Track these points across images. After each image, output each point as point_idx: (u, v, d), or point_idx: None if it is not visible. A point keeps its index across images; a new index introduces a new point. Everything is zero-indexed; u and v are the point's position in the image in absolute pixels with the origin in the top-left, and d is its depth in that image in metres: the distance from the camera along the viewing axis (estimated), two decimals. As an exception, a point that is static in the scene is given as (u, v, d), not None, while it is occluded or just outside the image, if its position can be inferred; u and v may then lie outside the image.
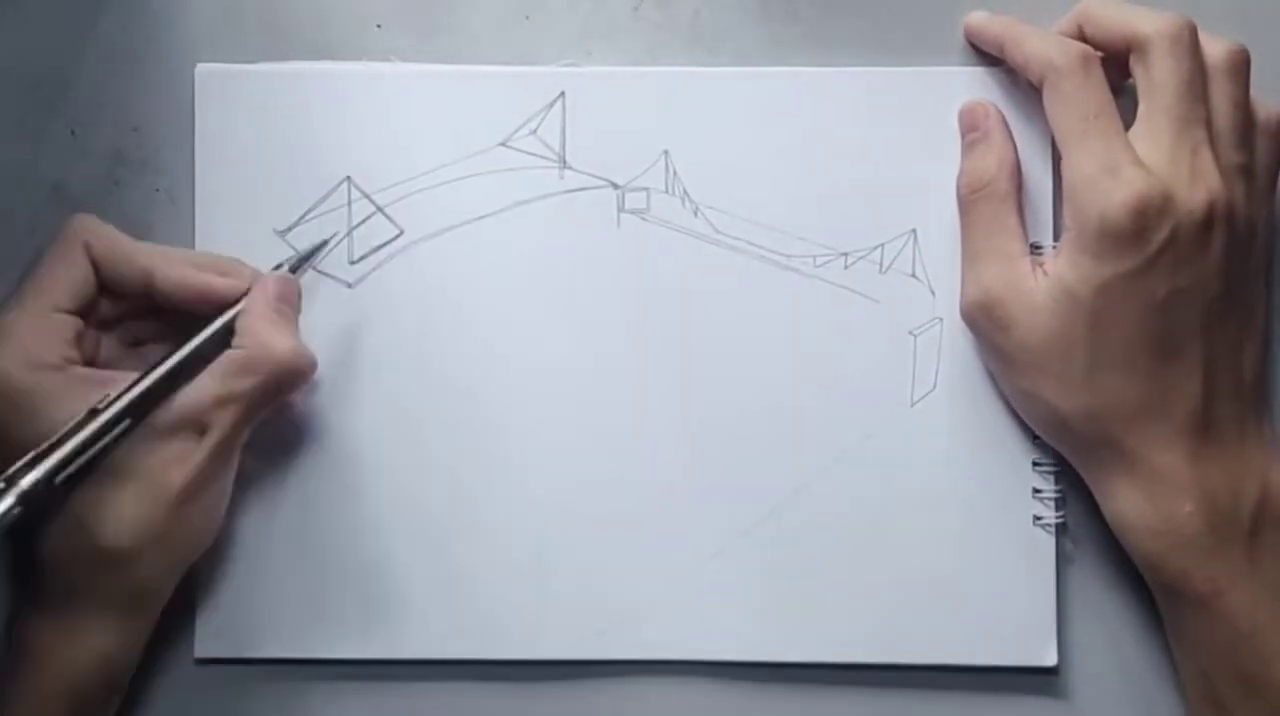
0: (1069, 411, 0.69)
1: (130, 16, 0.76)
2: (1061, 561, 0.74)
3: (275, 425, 0.72)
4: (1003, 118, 0.74)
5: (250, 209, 0.75)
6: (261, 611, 0.74)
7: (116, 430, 0.65)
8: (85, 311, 0.69)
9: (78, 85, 0.76)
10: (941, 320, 0.74)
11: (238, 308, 0.70)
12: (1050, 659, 0.73)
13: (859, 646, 0.74)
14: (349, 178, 0.75)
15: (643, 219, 0.75)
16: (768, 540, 0.74)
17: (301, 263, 0.73)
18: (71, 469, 0.64)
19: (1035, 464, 0.74)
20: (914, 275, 0.75)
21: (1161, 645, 0.73)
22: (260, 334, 0.68)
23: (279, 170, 0.75)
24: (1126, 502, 0.69)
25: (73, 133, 0.75)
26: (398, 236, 0.75)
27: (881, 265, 0.75)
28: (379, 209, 0.75)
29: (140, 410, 0.66)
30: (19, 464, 0.63)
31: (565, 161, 0.75)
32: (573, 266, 0.75)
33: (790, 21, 0.76)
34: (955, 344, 0.74)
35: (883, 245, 0.75)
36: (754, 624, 0.74)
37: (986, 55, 0.75)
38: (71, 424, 0.65)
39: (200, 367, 0.68)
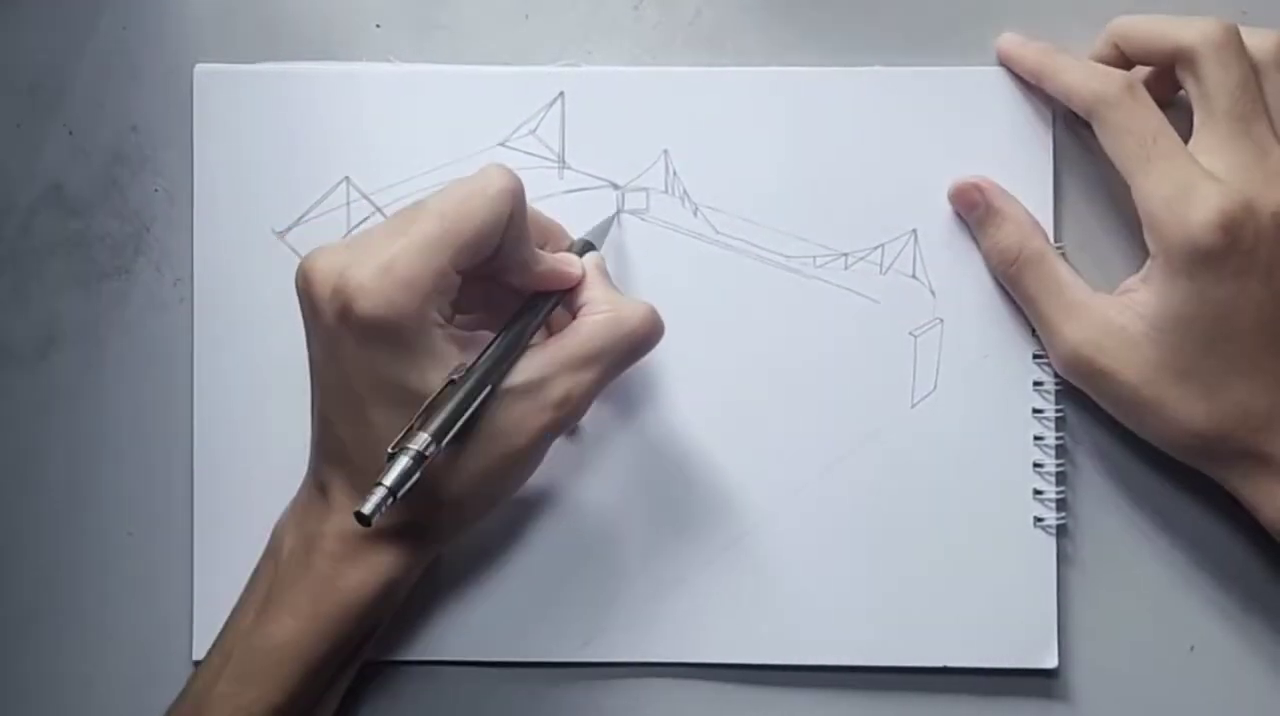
0: (1199, 431, 0.69)
1: (129, 17, 0.76)
2: (1062, 563, 0.74)
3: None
4: (995, 185, 0.74)
5: (249, 209, 0.75)
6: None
7: (483, 395, 0.65)
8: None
9: (76, 85, 0.76)
10: (942, 321, 0.74)
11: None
12: (1051, 661, 0.73)
13: (859, 648, 0.74)
14: (348, 178, 0.75)
15: (642, 219, 0.75)
16: (767, 541, 0.74)
17: (601, 237, 0.74)
18: (453, 432, 0.64)
19: (1036, 465, 0.73)
20: (914, 276, 0.74)
21: (1161, 647, 0.73)
22: (614, 299, 0.69)
23: (278, 170, 0.75)
24: (1279, 504, 0.69)
25: (71, 133, 0.76)
26: (397, 236, 0.75)
27: (882, 266, 0.74)
28: (378, 209, 0.75)
29: (499, 375, 0.66)
30: (406, 429, 0.63)
31: (565, 161, 0.75)
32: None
33: (790, 21, 0.76)
34: (956, 345, 0.74)
35: (883, 246, 0.74)
36: (753, 625, 0.74)
37: (986, 54, 0.75)
38: (442, 387, 0.65)
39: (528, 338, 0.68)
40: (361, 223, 0.75)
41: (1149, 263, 0.70)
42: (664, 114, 0.75)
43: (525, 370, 0.67)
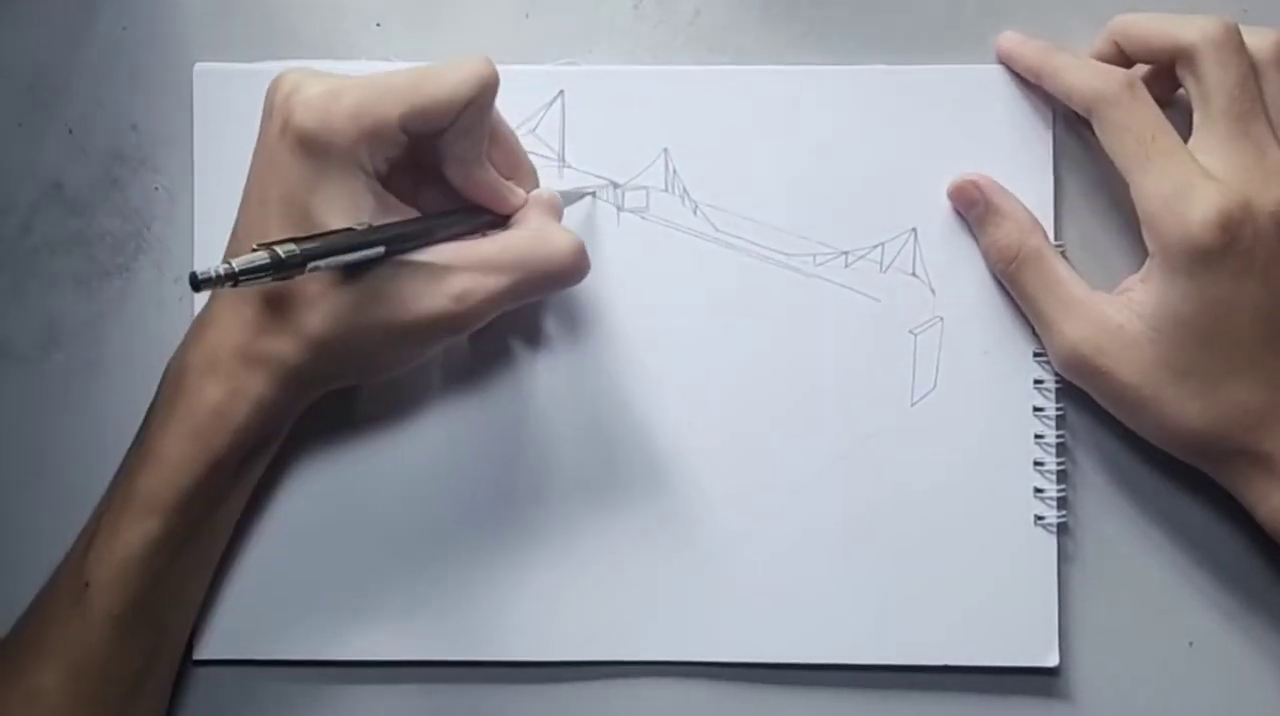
0: (1198, 431, 0.69)
1: (128, 17, 0.76)
2: (1063, 561, 0.74)
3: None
4: (994, 183, 0.74)
5: (249, 204, 0.75)
6: (261, 613, 0.74)
7: (372, 250, 0.65)
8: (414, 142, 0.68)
9: (76, 85, 0.76)
10: (942, 319, 0.74)
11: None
12: (1052, 659, 0.73)
13: (859, 647, 0.73)
14: (347, 175, 0.75)
15: (642, 218, 0.75)
16: (767, 540, 0.74)
17: (570, 199, 0.74)
18: (323, 262, 0.63)
19: (1036, 463, 0.73)
20: (914, 274, 0.74)
21: (1162, 645, 0.74)
22: (546, 226, 0.69)
23: (277, 168, 0.75)
24: (1275, 503, 0.69)
25: (71, 131, 0.76)
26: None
27: (882, 264, 0.74)
28: (378, 207, 0.75)
29: (407, 245, 0.66)
30: (290, 242, 0.63)
31: (565, 160, 0.75)
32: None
33: (790, 21, 0.76)
34: (956, 343, 0.74)
35: (883, 244, 0.74)
36: (753, 624, 0.74)
37: (986, 53, 0.75)
38: (343, 229, 0.65)
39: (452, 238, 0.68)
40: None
41: (1148, 261, 0.70)
42: (664, 112, 0.75)
43: (433, 254, 0.67)
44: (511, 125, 0.73)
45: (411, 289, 0.66)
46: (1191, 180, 0.68)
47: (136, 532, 0.67)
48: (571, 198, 0.74)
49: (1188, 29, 0.69)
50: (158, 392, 0.70)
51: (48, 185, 0.76)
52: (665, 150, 0.75)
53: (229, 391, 0.67)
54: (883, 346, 0.74)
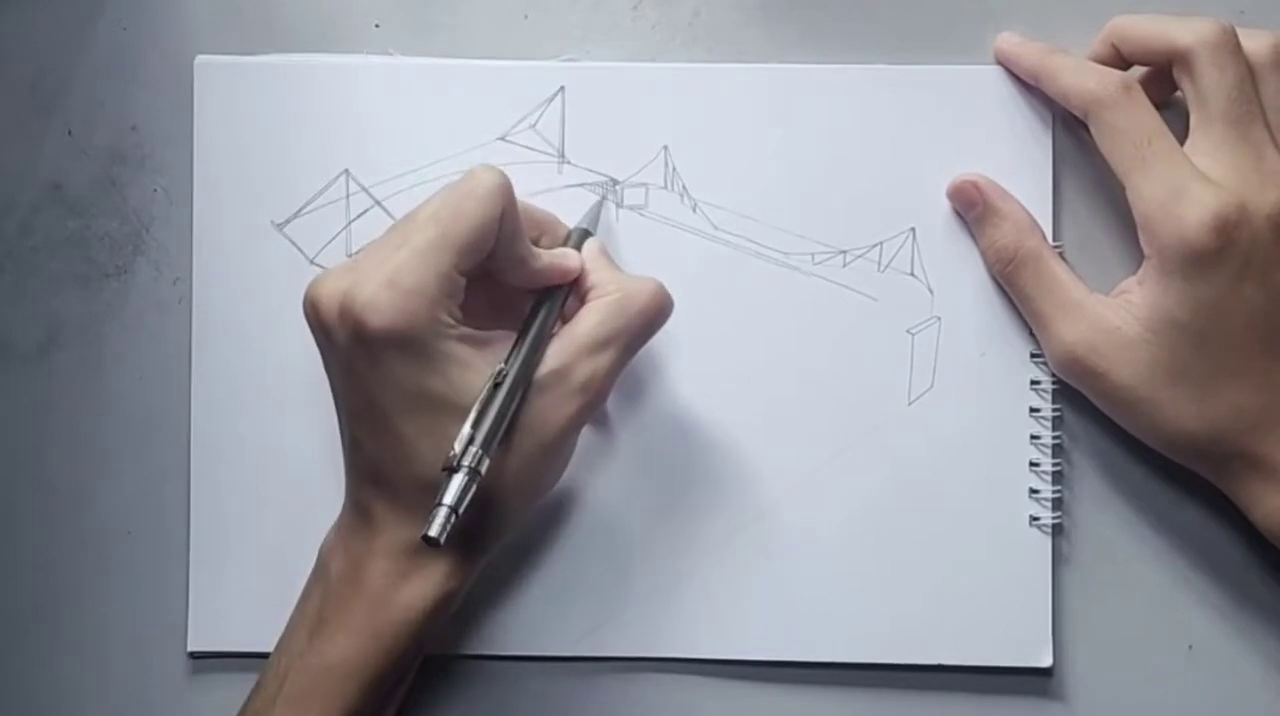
0: (1193, 433, 0.69)
1: (128, 17, 0.76)
2: (1058, 562, 0.74)
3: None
4: (993, 183, 0.74)
5: (249, 200, 0.75)
6: (255, 606, 0.74)
7: (519, 396, 0.66)
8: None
9: (76, 85, 0.76)
10: (939, 319, 0.74)
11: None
12: (1045, 660, 0.73)
13: (854, 645, 0.74)
14: (347, 170, 0.75)
15: (641, 214, 0.75)
16: (763, 538, 0.74)
17: (594, 222, 0.74)
18: (497, 438, 0.64)
19: (1032, 464, 0.74)
20: (912, 273, 0.74)
21: (1157, 646, 0.74)
22: (620, 280, 0.70)
23: (277, 162, 0.75)
24: (1271, 505, 0.69)
25: (71, 132, 0.76)
26: (396, 231, 0.75)
27: (880, 263, 0.75)
28: (377, 202, 0.75)
29: (530, 371, 0.67)
30: (460, 447, 0.63)
31: (564, 156, 0.75)
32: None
33: (789, 21, 0.75)
34: (953, 342, 0.74)
35: (881, 243, 0.75)
36: (748, 622, 0.74)
37: (985, 53, 0.75)
38: (487, 394, 0.65)
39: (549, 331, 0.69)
40: (360, 215, 0.75)
41: (1144, 264, 0.70)
42: (664, 110, 0.75)
43: (546, 362, 0.67)
44: (512, 121, 0.74)
45: (547, 405, 0.67)
46: (1187, 183, 0.68)
47: None
48: (593, 219, 0.74)
49: (1184, 31, 0.69)
50: (326, 583, 0.69)
51: (48, 185, 0.76)
52: (665, 147, 0.75)
53: (412, 588, 0.67)
54: (880, 345, 0.75)
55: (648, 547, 0.74)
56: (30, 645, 0.75)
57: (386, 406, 0.65)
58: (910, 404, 0.74)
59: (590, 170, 0.75)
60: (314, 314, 0.66)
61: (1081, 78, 0.71)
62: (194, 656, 0.75)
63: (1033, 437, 0.74)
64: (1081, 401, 0.73)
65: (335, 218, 0.75)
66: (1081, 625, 0.74)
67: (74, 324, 0.76)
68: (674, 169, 0.75)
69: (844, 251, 0.75)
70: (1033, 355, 0.74)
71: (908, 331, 0.74)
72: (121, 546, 0.75)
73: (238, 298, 0.75)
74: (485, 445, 0.63)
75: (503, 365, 0.66)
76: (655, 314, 0.69)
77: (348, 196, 0.75)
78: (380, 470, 0.66)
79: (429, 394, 0.65)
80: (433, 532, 0.61)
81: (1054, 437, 0.74)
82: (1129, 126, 0.69)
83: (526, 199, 0.73)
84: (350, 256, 0.74)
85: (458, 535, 0.64)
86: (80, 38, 0.76)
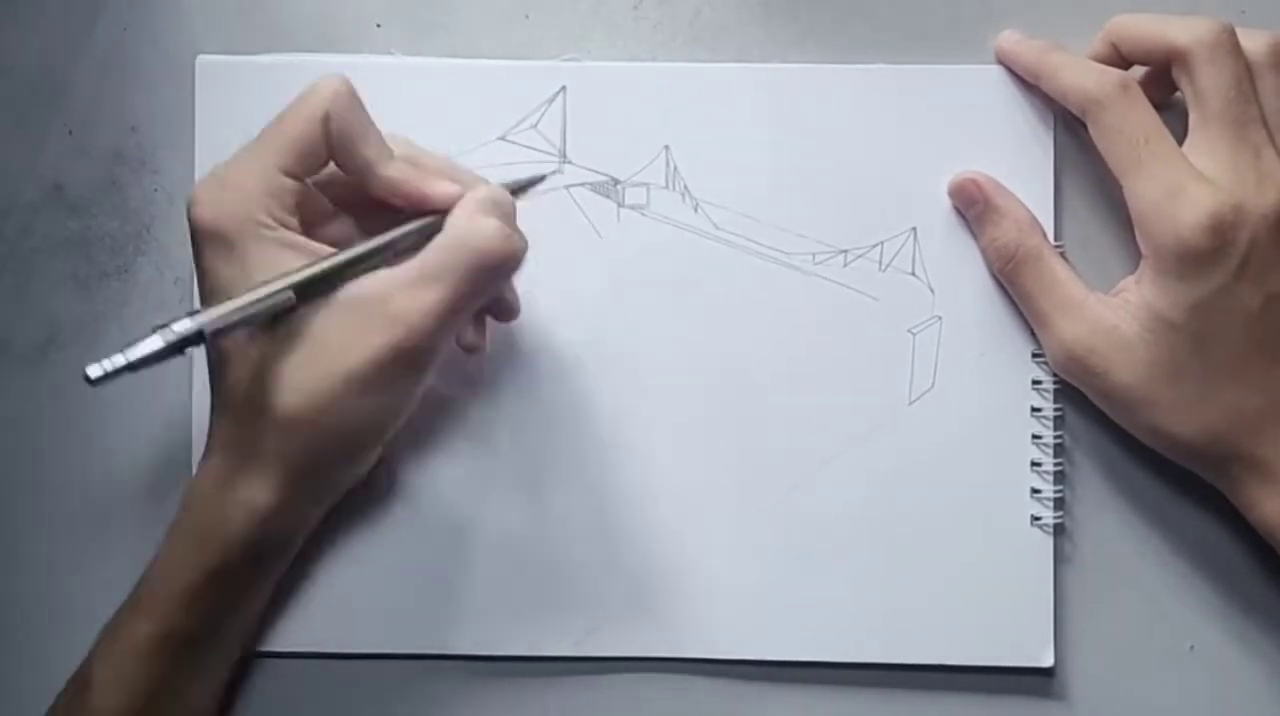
0: (1191, 434, 0.69)
1: (129, 17, 0.76)
2: (1059, 562, 0.74)
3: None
4: (994, 182, 0.74)
5: (250, 200, 0.75)
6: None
7: (277, 296, 0.64)
8: (316, 180, 0.68)
9: (76, 85, 0.76)
10: (940, 318, 0.74)
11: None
12: (1047, 660, 0.73)
13: (854, 645, 0.74)
14: (348, 170, 0.75)
15: (642, 214, 0.75)
16: (763, 537, 0.74)
17: (521, 188, 0.73)
18: (228, 322, 0.63)
19: (1034, 464, 0.74)
20: (913, 273, 0.74)
21: (1158, 646, 0.74)
22: (466, 220, 0.66)
23: (279, 162, 0.75)
24: (1269, 507, 0.69)
25: (71, 132, 0.76)
26: (396, 231, 0.75)
27: (881, 263, 0.74)
28: (378, 202, 0.75)
29: (326, 285, 0.65)
30: (200, 309, 0.63)
31: (566, 156, 0.75)
32: (572, 261, 0.75)
33: (790, 21, 0.75)
34: (954, 342, 0.74)
35: (882, 243, 0.74)
36: (748, 621, 0.74)
37: (987, 53, 0.75)
38: (260, 284, 0.64)
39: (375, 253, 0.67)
40: (362, 215, 0.75)
41: (1142, 263, 0.70)
42: (665, 110, 0.75)
43: (362, 285, 0.65)
44: (513, 120, 0.74)
45: (351, 328, 0.65)
46: (1184, 183, 0.67)
47: (140, 632, 0.67)
48: (522, 185, 0.73)
49: (1183, 31, 0.69)
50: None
51: (48, 186, 0.76)
52: (666, 147, 0.75)
53: (222, 500, 0.67)
54: (881, 345, 0.74)
55: (647, 547, 0.74)
56: (30, 645, 0.75)
57: (204, 295, 0.67)
58: (911, 404, 0.74)
59: (591, 170, 0.75)
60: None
61: (1080, 77, 0.71)
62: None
63: (1034, 437, 0.74)
64: (1083, 401, 0.73)
65: (336, 217, 0.75)
66: (1083, 625, 0.74)
67: (74, 324, 0.76)
68: (675, 169, 0.75)
69: (845, 251, 0.75)
70: (1034, 355, 0.74)
71: (909, 331, 0.74)
72: (121, 546, 0.75)
73: (238, 297, 0.75)
74: (200, 319, 0.62)
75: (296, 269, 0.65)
76: (495, 257, 0.66)
77: (348, 196, 0.75)
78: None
79: (233, 289, 0.65)
80: (90, 370, 0.61)
81: (1055, 437, 0.74)
82: (1127, 126, 0.69)
83: (526, 199, 0.73)
84: None
85: (253, 445, 0.66)
86: (80, 38, 0.76)
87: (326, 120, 0.66)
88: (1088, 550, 0.74)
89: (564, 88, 0.75)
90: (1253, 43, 0.69)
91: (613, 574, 0.74)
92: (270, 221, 0.66)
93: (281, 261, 0.65)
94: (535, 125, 0.75)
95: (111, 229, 0.76)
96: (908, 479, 0.74)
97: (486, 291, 0.68)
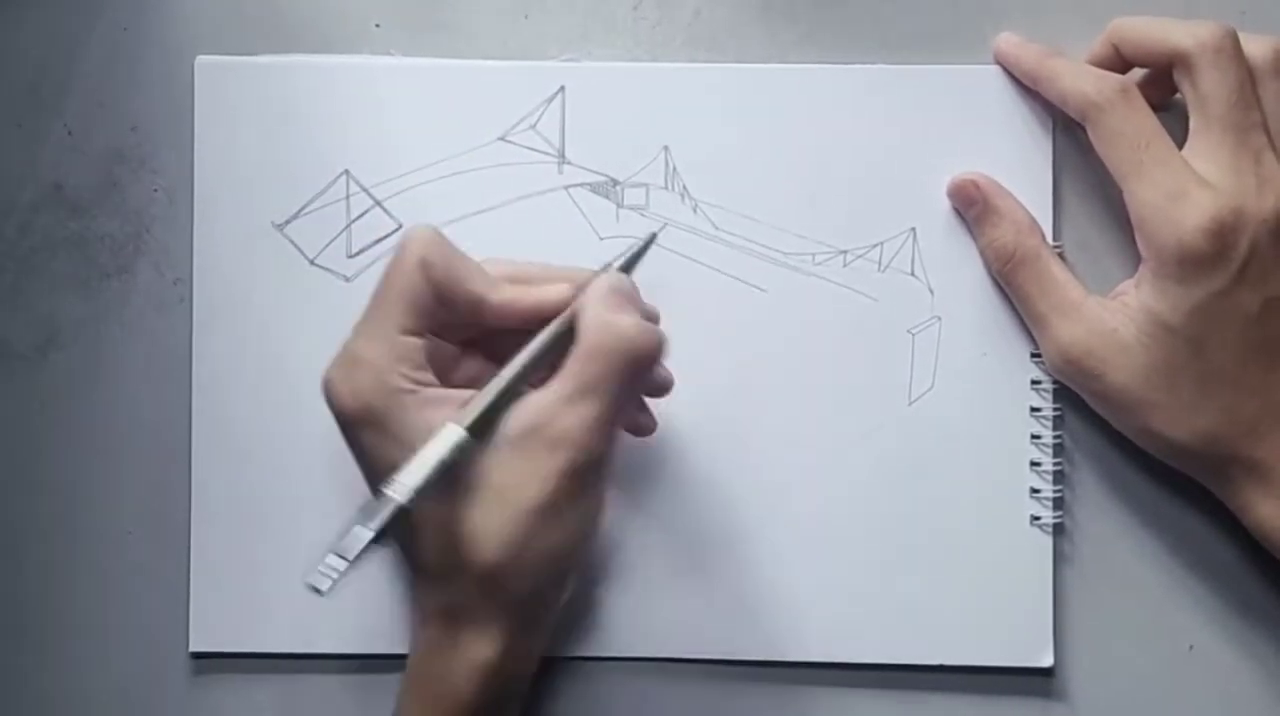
0: (1188, 437, 0.69)
1: (129, 17, 0.76)
2: (1059, 562, 0.74)
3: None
4: (993, 182, 0.74)
5: (249, 201, 0.75)
6: (256, 606, 0.75)
7: (457, 444, 0.63)
8: (436, 329, 0.68)
9: (76, 85, 0.76)
10: (940, 319, 0.74)
11: (575, 305, 0.67)
12: (1047, 660, 0.73)
13: (854, 645, 0.74)
14: (347, 171, 0.75)
15: (642, 214, 0.75)
16: (763, 538, 0.74)
17: (634, 260, 0.71)
18: (421, 484, 0.62)
19: (1033, 464, 0.74)
20: (913, 274, 0.74)
21: (1158, 646, 0.74)
22: (600, 318, 0.66)
23: (278, 162, 0.75)
24: (1264, 511, 0.69)
25: (71, 132, 0.76)
26: (396, 230, 0.75)
27: (880, 263, 0.75)
28: (377, 203, 0.75)
29: (487, 423, 0.64)
30: (385, 484, 0.62)
31: (564, 156, 0.75)
32: (572, 261, 0.74)
33: (790, 22, 0.75)
34: (954, 342, 0.74)
35: (882, 243, 0.75)
36: (748, 622, 0.74)
37: (986, 54, 0.75)
38: (426, 444, 0.63)
39: (516, 380, 0.66)
40: (361, 215, 0.75)
41: (1141, 267, 0.70)
42: (664, 110, 0.75)
43: (519, 416, 0.65)
44: (512, 121, 0.74)
45: (522, 462, 0.64)
46: (1184, 187, 0.68)
47: None
48: (628, 259, 0.71)
49: (1185, 34, 0.69)
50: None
51: (47, 186, 0.76)
52: (665, 148, 0.75)
53: (444, 662, 0.66)
54: (880, 346, 0.75)
55: (647, 548, 0.74)
56: (30, 645, 0.75)
57: (371, 478, 0.66)
58: (911, 404, 0.74)
59: (590, 170, 0.75)
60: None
61: (1079, 81, 0.71)
62: (195, 656, 0.75)
63: (1034, 437, 0.74)
64: (1082, 402, 0.73)
65: (335, 218, 0.75)
66: (1083, 625, 0.74)
67: (74, 324, 0.75)
68: (674, 169, 0.75)
69: (844, 251, 0.75)
70: (1033, 355, 0.74)
71: (908, 331, 0.74)
72: (121, 546, 0.75)
73: (237, 298, 0.75)
74: (397, 489, 0.62)
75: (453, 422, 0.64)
76: (638, 354, 0.65)
77: (348, 197, 0.75)
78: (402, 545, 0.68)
79: (394, 464, 0.64)
80: (311, 580, 0.60)
81: (1055, 437, 0.74)
82: (1127, 130, 0.69)
83: (525, 199, 0.74)
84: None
85: (461, 606, 0.66)
86: (80, 38, 0.76)
87: (426, 267, 0.66)
88: (1087, 550, 0.74)
89: (563, 88, 0.75)
90: (1255, 47, 0.69)
91: (611, 574, 0.74)
92: (410, 385, 0.65)
93: (434, 420, 0.64)
94: (534, 125, 0.75)
95: (111, 229, 0.76)
96: (907, 479, 0.74)
97: (639, 386, 0.68)
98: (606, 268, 0.69)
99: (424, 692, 0.67)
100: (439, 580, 0.66)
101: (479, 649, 0.66)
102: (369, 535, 0.61)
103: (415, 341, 0.66)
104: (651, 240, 0.71)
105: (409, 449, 0.63)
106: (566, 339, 0.66)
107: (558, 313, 0.67)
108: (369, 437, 0.65)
